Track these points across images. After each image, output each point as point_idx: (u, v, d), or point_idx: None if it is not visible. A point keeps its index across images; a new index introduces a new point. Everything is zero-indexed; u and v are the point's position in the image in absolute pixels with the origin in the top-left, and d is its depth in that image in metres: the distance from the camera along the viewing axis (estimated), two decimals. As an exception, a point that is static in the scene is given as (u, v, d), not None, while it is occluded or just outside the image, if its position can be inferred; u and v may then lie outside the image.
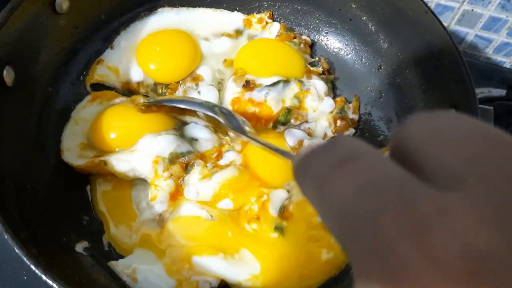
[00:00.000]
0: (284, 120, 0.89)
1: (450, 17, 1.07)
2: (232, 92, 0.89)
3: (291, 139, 0.84)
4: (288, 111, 0.89)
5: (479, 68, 1.15)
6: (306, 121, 0.90)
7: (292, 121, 0.89)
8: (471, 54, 1.15)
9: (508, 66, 1.16)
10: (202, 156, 0.82)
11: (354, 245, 0.23)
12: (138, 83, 0.92)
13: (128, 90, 0.92)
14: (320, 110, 0.90)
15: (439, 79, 0.82)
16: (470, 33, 1.11)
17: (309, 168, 0.27)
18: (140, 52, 0.92)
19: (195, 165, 0.80)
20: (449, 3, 1.04)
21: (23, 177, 0.73)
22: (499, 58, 1.15)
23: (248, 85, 0.89)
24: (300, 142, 0.85)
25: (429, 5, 1.03)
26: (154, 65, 0.91)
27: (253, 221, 0.76)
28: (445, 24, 1.08)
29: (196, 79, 0.91)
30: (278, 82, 0.89)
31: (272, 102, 0.89)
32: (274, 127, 0.90)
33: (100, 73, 0.91)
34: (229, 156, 0.83)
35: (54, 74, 0.86)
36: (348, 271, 0.75)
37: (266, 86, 0.89)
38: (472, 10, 1.04)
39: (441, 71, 0.80)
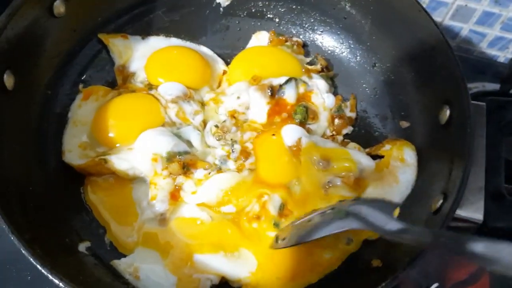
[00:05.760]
0: (302, 119, 0.88)
1: (444, 12, 1.08)
2: (263, 104, 0.89)
3: (290, 137, 0.84)
4: (306, 109, 0.89)
5: (473, 62, 1.16)
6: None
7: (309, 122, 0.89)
8: (465, 48, 1.16)
9: (501, 60, 1.17)
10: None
11: None
12: (132, 73, 0.94)
13: (119, 76, 0.94)
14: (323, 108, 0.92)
15: (432, 76, 0.83)
16: (464, 28, 1.11)
17: None
18: (153, 62, 0.93)
19: (194, 173, 0.81)
20: (442, -1, 1.05)
21: (24, 180, 0.75)
22: (493, 52, 1.16)
23: (273, 92, 0.89)
24: (299, 140, 0.84)
25: (423, 0, 1.05)
26: (161, 78, 0.92)
27: (253, 221, 0.77)
28: (439, 20, 1.10)
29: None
30: (290, 79, 0.90)
31: (290, 99, 0.90)
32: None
33: (114, 41, 0.94)
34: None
35: (53, 77, 0.87)
36: (347, 267, 0.77)
37: (280, 85, 0.90)
38: (466, 5, 1.05)
39: (434, 68, 0.82)
